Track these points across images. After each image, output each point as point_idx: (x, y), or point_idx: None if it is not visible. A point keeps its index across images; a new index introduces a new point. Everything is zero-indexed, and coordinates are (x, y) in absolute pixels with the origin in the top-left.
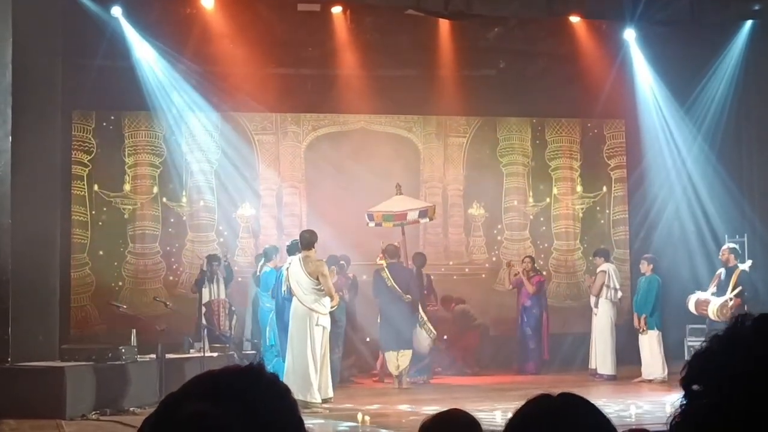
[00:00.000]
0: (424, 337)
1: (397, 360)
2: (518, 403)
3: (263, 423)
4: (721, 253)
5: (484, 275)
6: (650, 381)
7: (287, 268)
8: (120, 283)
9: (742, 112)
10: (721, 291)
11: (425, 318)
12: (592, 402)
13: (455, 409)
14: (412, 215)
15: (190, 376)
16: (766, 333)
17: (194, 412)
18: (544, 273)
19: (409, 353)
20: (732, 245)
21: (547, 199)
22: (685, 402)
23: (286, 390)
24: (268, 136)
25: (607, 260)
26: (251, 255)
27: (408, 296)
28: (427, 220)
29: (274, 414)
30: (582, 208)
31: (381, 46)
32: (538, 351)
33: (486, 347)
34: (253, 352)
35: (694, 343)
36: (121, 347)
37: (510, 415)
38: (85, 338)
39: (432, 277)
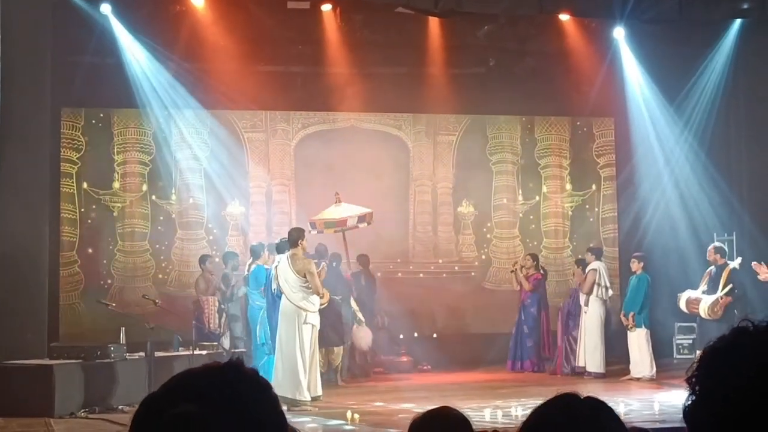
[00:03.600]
0: (364, 333)
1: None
2: (508, 401)
3: (245, 419)
4: (707, 254)
5: (473, 273)
6: (639, 379)
7: (276, 266)
8: (109, 281)
9: (731, 110)
10: (711, 289)
11: (357, 309)
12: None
13: (445, 406)
14: (352, 221)
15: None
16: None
17: (177, 414)
18: (547, 271)
19: (341, 350)
20: (718, 244)
21: (537, 197)
22: (693, 398)
23: (266, 384)
24: (258, 134)
25: (598, 258)
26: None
27: (338, 297)
28: (366, 224)
29: (255, 409)
30: (571, 206)
31: (371, 44)
32: (536, 349)
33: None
34: (243, 350)
35: (682, 341)
36: (110, 345)
37: (500, 412)
38: (74, 336)
39: (378, 275)
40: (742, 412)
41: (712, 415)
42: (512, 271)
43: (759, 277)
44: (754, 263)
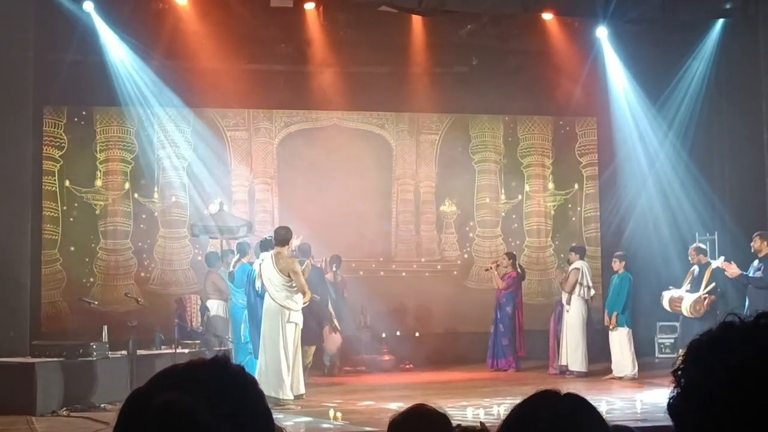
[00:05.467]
0: (335, 337)
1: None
2: (489, 400)
3: (232, 413)
4: (689, 255)
5: (455, 272)
6: (620, 378)
7: (260, 265)
8: (91, 279)
9: (713, 110)
10: (694, 288)
11: (333, 315)
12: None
13: (423, 404)
14: (236, 229)
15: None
16: (760, 333)
17: (166, 402)
18: (525, 270)
19: (312, 349)
20: (698, 245)
21: (519, 197)
22: (677, 390)
23: (252, 381)
24: (240, 133)
25: (581, 257)
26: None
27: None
28: (249, 234)
29: (241, 404)
30: (554, 206)
31: (354, 43)
32: (512, 347)
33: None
34: (225, 348)
35: (664, 340)
36: (92, 343)
37: (482, 410)
38: (56, 334)
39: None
40: (725, 406)
41: (696, 409)
42: (487, 270)
43: (726, 273)
44: (723, 263)
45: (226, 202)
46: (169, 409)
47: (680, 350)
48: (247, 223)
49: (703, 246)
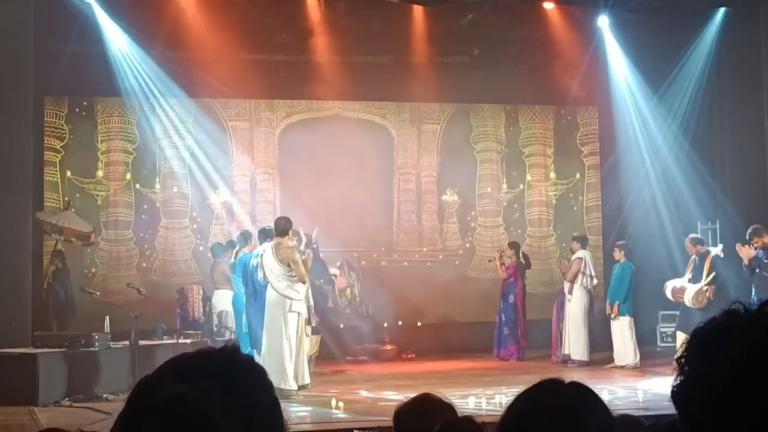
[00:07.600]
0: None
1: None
2: (492, 389)
3: (240, 403)
4: (686, 246)
5: (457, 262)
6: (622, 367)
7: (261, 255)
8: (93, 270)
9: (714, 99)
10: (696, 277)
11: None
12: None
13: (429, 394)
14: (73, 232)
15: (163, 362)
16: (764, 321)
17: (172, 394)
18: (530, 258)
19: (318, 339)
20: (693, 236)
21: (521, 186)
22: (681, 378)
23: (261, 371)
24: (242, 123)
25: (584, 247)
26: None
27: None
28: (88, 242)
29: (250, 394)
30: (555, 195)
31: (355, 32)
32: (513, 337)
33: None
34: (229, 338)
35: (666, 329)
36: (94, 334)
37: (484, 400)
38: (58, 325)
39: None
40: (729, 393)
41: (700, 396)
42: (490, 261)
43: (741, 254)
44: (737, 244)
45: (228, 192)
46: (176, 401)
47: (679, 335)
48: (92, 230)
49: (698, 236)
